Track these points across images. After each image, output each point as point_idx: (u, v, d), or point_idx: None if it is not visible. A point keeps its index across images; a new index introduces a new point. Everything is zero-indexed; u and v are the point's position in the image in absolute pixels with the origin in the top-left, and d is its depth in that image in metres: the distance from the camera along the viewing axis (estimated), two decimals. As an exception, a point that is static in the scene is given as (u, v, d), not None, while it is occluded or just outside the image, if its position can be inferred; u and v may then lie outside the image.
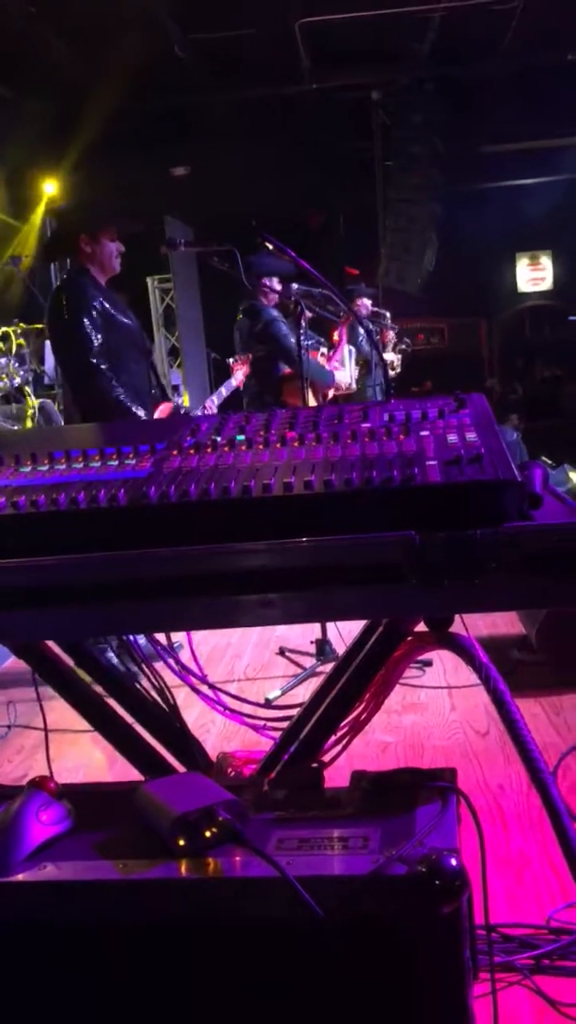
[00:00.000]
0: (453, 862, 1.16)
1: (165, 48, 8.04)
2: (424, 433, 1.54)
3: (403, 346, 7.15)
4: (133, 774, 1.84)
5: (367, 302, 7.09)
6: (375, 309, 7.29)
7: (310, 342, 5.43)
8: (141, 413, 3.97)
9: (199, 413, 4.53)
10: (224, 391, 5.15)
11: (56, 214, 4.20)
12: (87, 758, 3.18)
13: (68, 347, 4.06)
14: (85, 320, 3.95)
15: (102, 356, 3.95)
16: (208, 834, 1.26)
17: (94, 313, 3.97)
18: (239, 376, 5.28)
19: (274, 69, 8.84)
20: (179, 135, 9.48)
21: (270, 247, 2.76)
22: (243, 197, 8.68)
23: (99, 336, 3.95)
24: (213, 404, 4.97)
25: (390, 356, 6.81)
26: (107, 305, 4.05)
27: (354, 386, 6.15)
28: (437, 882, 1.15)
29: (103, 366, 3.93)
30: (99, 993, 1.28)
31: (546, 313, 11.34)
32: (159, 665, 1.93)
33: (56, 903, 1.25)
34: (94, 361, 3.92)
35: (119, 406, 3.88)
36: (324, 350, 5.86)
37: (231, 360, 5.39)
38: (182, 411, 4.53)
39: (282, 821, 1.33)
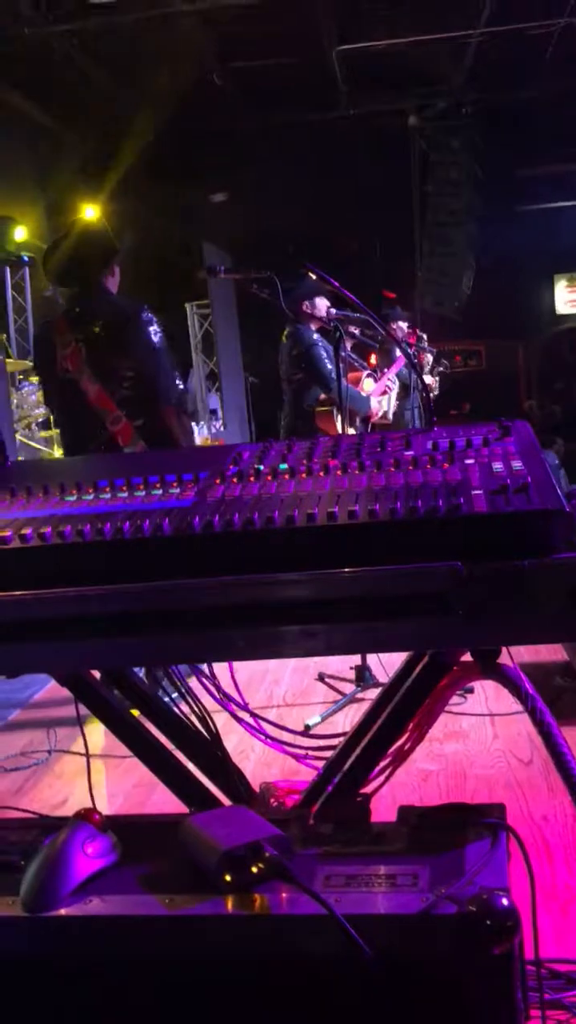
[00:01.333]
0: (505, 902, 1.14)
1: (204, 76, 8.14)
2: (469, 461, 1.53)
3: (441, 368, 7.12)
4: (173, 800, 1.83)
5: (403, 325, 7.09)
6: (412, 331, 7.29)
7: (355, 365, 5.44)
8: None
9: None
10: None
11: (88, 235, 4.00)
12: (126, 784, 3.17)
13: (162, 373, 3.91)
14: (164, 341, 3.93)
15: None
16: (255, 870, 1.24)
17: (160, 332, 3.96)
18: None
19: (312, 96, 8.92)
20: (218, 162, 9.59)
21: (313, 276, 2.76)
22: (281, 223, 8.76)
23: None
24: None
25: (428, 379, 6.79)
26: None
27: (391, 416, 6.14)
28: (488, 922, 1.12)
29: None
30: (143, 1029, 1.27)
31: (585, 334, 11.26)
32: (199, 690, 1.92)
33: (103, 938, 1.24)
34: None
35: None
36: (368, 372, 5.87)
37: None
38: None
39: (329, 857, 1.31)
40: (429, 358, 6.97)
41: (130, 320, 3.84)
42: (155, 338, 3.83)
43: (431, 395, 6.11)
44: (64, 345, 3.86)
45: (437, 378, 6.96)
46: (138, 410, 3.81)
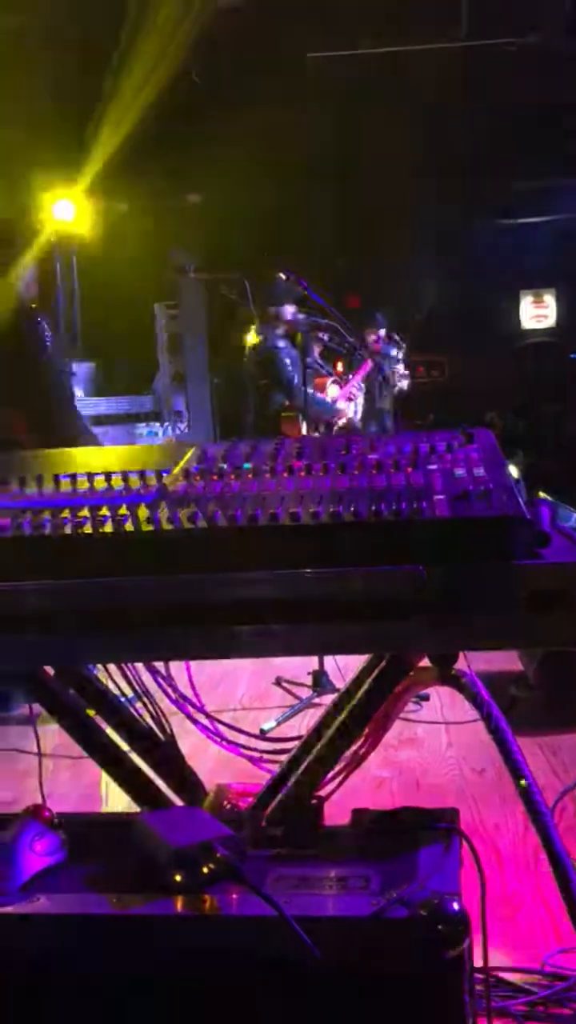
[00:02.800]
0: (456, 907, 1.14)
1: (183, 74, 8.12)
2: (432, 467, 1.53)
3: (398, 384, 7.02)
4: (127, 801, 1.81)
5: (382, 332, 7.07)
6: (380, 338, 7.27)
7: (320, 370, 5.43)
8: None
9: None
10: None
11: None
12: (80, 785, 3.14)
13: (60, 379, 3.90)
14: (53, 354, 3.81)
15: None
16: (205, 870, 1.23)
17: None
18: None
19: (288, 99, 8.92)
20: (192, 163, 9.56)
21: (283, 276, 2.76)
22: (252, 227, 8.75)
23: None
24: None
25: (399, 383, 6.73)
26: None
27: (357, 422, 6.14)
28: (439, 927, 1.12)
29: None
30: (87, 1029, 1.25)
31: (549, 350, 11.40)
32: (154, 691, 1.90)
33: (49, 936, 1.22)
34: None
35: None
36: (333, 379, 5.87)
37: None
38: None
39: (281, 859, 1.31)
40: (400, 368, 6.92)
41: None
42: None
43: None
44: None
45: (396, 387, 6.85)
46: None
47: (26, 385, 3.72)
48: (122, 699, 1.96)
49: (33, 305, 3.84)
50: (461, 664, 1.57)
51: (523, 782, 1.50)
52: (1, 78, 7.36)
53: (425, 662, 1.60)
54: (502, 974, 2.03)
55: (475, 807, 2.90)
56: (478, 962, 1.31)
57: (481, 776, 3.16)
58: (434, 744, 3.49)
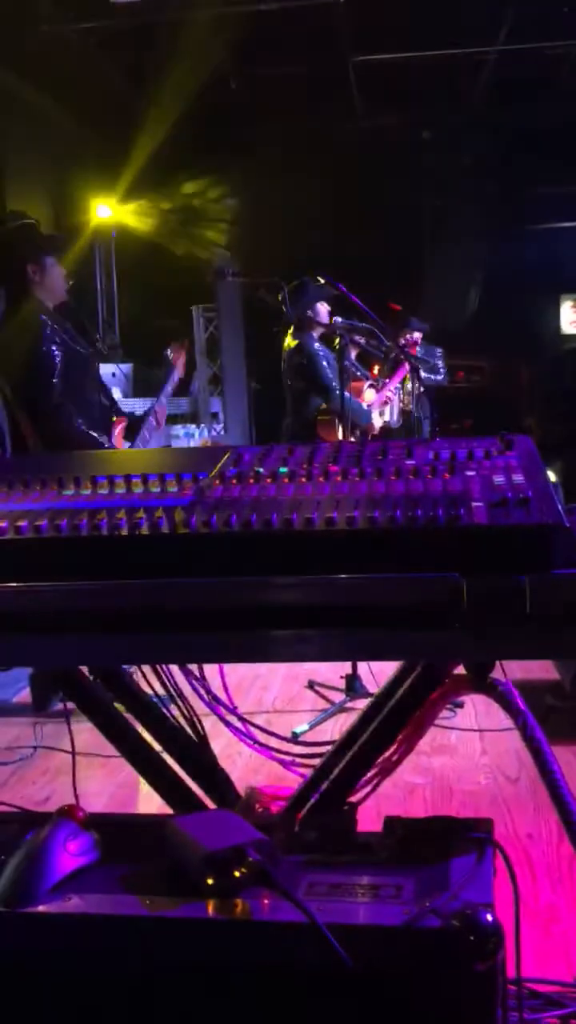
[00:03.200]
0: (489, 918, 1.13)
1: (220, 81, 8.15)
2: (470, 473, 1.52)
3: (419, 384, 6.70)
4: (158, 801, 1.81)
5: (418, 336, 7.01)
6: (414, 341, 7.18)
7: (357, 373, 5.40)
8: (104, 442, 3.86)
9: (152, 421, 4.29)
10: (169, 388, 4.66)
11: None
12: (112, 783, 3.16)
13: (31, 381, 3.83)
14: (52, 351, 3.79)
15: (64, 390, 3.79)
16: (237, 874, 1.23)
17: (54, 347, 3.80)
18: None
19: (326, 106, 8.93)
20: (230, 167, 9.60)
21: (321, 282, 2.76)
22: (290, 231, 8.76)
23: (61, 369, 3.79)
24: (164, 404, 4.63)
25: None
26: (65, 335, 3.88)
27: (394, 427, 6.10)
28: (472, 938, 1.11)
29: (64, 399, 3.77)
30: (117, 1030, 1.26)
31: (590, 356, 11.28)
32: (187, 693, 1.91)
33: (80, 936, 1.22)
34: (57, 395, 3.76)
35: (83, 437, 3.75)
36: (370, 383, 5.84)
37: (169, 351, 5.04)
38: (151, 422, 4.20)
39: (313, 864, 1.30)
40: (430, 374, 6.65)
41: None
42: None
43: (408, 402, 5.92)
44: None
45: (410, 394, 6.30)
46: None
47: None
48: (155, 699, 1.97)
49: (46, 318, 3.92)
50: (497, 672, 1.55)
51: (558, 792, 1.48)
52: (52, 87, 7.47)
53: (460, 669, 1.59)
54: (535, 986, 2.01)
55: (509, 816, 2.87)
56: (511, 974, 1.30)
57: (515, 785, 3.13)
58: (468, 751, 3.47)
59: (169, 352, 4.69)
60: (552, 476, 6.51)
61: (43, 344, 3.77)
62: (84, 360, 3.95)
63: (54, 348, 3.79)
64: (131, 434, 4.13)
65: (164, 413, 4.29)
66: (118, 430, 4.12)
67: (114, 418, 4.15)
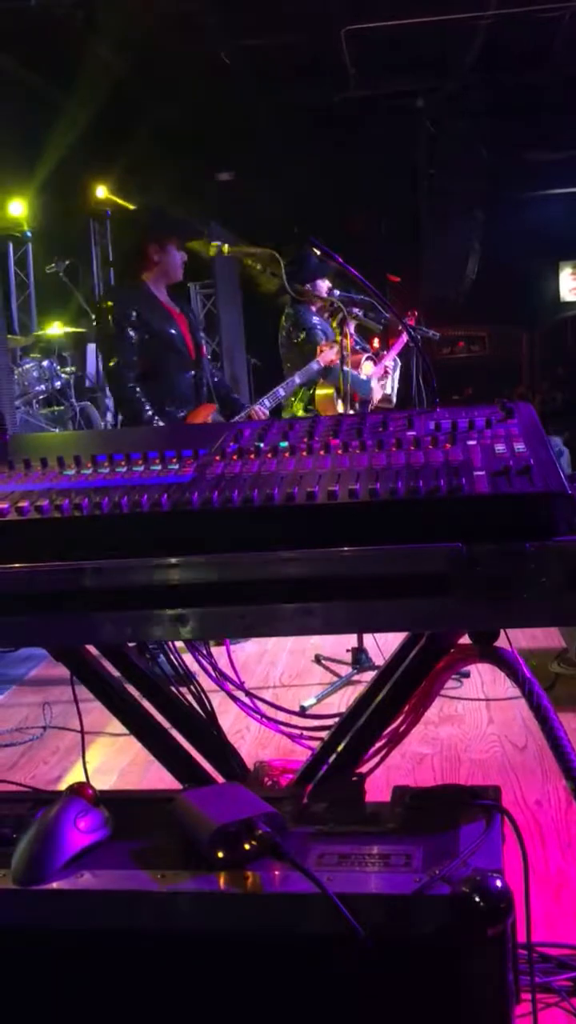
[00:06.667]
0: (499, 884, 1.14)
1: (212, 53, 8.06)
2: (471, 443, 1.52)
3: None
4: (167, 778, 1.82)
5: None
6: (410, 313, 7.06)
7: (356, 347, 5.35)
8: (161, 421, 4.06)
9: (248, 414, 4.46)
10: (282, 391, 4.89)
11: (121, 222, 4.37)
12: (121, 761, 3.17)
13: (106, 353, 4.25)
14: (125, 329, 4.09)
15: (133, 365, 4.10)
16: (247, 847, 1.24)
17: (133, 322, 4.11)
18: (327, 356, 5.00)
19: (320, 76, 8.84)
20: (224, 141, 9.52)
21: (317, 252, 2.74)
22: (286, 204, 8.70)
23: (135, 345, 4.10)
24: (265, 407, 4.77)
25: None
26: (147, 314, 4.16)
27: (393, 399, 6.05)
28: (482, 904, 1.12)
29: (131, 373, 4.08)
30: (132, 1004, 1.27)
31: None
32: (195, 669, 1.92)
33: (94, 912, 1.24)
34: (125, 369, 4.08)
35: (143, 413, 4.04)
36: (368, 355, 5.78)
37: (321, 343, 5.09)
38: (245, 410, 4.48)
39: (322, 835, 1.31)
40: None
41: None
42: None
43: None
44: None
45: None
46: None
47: None
48: (160, 673, 1.98)
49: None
50: (502, 641, 1.56)
51: (565, 758, 1.49)
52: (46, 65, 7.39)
53: (465, 639, 1.59)
54: (546, 950, 2.03)
55: (517, 783, 2.89)
56: (521, 938, 1.31)
57: (522, 753, 3.15)
58: (475, 721, 3.48)
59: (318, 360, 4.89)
60: (558, 443, 6.46)
61: (120, 320, 4.09)
62: (168, 337, 4.21)
63: (131, 323, 4.10)
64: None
65: (263, 413, 4.48)
66: (204, 413, 4.30)
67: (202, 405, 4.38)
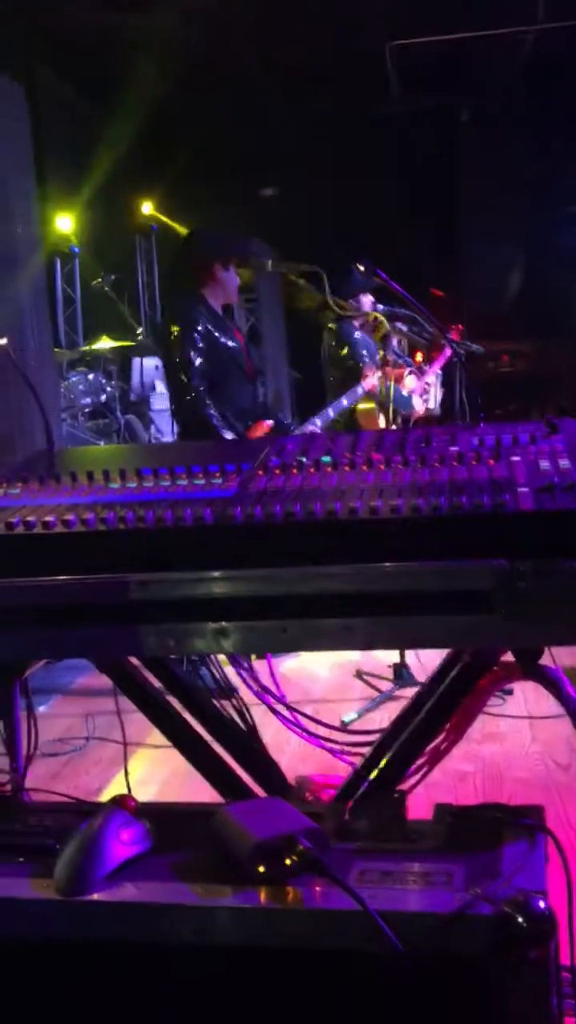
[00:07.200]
0: (542, 905, 1.12)
1: (255, 69, 8.13)
2: (515, 459, 1.51)
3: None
4: (208, 790, 1.83)
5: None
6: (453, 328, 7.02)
7: (399, 361, 5.35)
8: (228, 435, 4.06)
9: (303, 431, 4.48)
10: (331, 412, 4.86)
11: (188, 239, 4.42)
12: (162, 773, 3.19)
13: (172, 369, 4.28)
14: (190, 343, 4.12)
15: (202, 377, 4.12)
16: (288, 862, 1.24)
17: (197, 337, 4.14)
18: (370, 382, 5.01)
19: (363, 90, 8.86)
20: (267, 156, 9.57)
21: (360, 267, 2.75)
22: (329, 219, 8.72)
23: (200, 359, 4.12)
24: (316, 426, 4.78)
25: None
26: (212, 328, 4.20)
27: (438, 410, 6.03)
28: (524, 925, 1.11)
29: (201, 387, 4.10)
30: (171, 1016, 1.27)
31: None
32: (236, 683, 1.92)
33: (135, 924, 1.24)
34: (193, 382, 4.10)
35: (210, 426, 4.05)
36: (411, 370, 5.78)
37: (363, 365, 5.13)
38: (291, 428, 4.51)
39: (364, 852, 1.30)
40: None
41: None
42: None
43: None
44: None
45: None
46: None
47: None
48: (203, 685, 1.99)
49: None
50: (546, 659, 1.54)
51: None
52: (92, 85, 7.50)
53: (508, 656, 1.58)
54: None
55: (560, 803, 2.85)
56: (565, 961, 1.29)
57: (566, 772, 3.11)
58: (518, 739, 3.44)
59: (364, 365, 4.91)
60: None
61: (185, 335, 4.14)
62: (231, 352, 4.27)
63: (196, 338, 4.14)
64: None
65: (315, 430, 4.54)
66: (260, 429, 4.34)
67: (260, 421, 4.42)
